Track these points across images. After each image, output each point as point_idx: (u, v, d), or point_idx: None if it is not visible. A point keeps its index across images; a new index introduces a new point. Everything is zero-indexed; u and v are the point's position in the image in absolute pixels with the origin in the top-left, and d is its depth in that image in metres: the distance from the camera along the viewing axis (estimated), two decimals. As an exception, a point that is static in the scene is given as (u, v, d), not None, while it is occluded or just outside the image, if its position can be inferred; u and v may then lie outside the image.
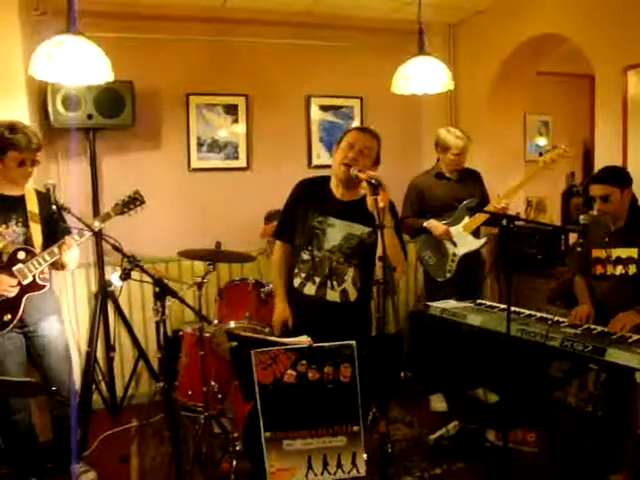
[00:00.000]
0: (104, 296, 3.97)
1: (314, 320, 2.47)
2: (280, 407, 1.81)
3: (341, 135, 2.59)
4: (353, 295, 2.57)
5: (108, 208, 2.93)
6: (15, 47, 3.33)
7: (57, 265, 2.85)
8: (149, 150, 4.25)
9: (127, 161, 4.19)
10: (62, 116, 3.65)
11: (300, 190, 2.66)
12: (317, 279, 2.55)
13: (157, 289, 2.45)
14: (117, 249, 2.52)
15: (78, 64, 2.42)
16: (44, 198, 2.83)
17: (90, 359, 3.88)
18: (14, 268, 2.69)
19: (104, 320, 4.02)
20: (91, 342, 3.91)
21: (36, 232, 2.81)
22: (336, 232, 2.49)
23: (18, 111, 3.36)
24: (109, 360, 4.04)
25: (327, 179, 2.63)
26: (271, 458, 1.83)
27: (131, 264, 2.44)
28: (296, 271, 2.61)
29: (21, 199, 2.81)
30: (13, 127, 2.69)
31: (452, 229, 3.81)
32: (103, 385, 4.05)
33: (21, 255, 2.73)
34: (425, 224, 3.83)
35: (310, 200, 2.57)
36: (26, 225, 2.81)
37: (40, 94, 3.71)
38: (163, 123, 4.29)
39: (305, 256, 2.55)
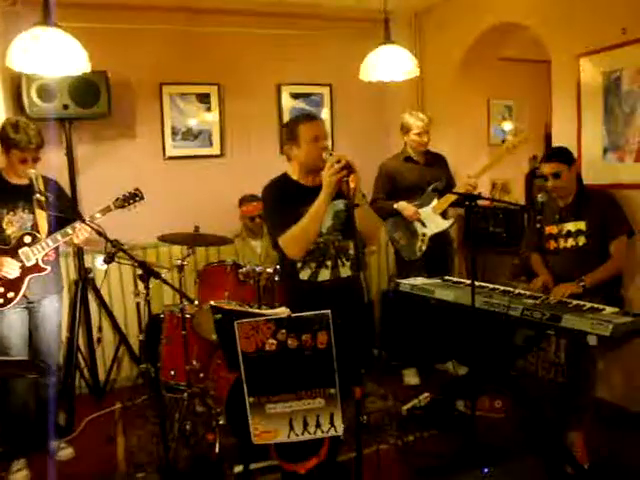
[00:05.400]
0: (84, 283, 4.06)
1: (332, 302, 2.28)
2: (262, 374, 1.93)
3: (290, 128, 2.63)
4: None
5: (109, 202, 3.09)
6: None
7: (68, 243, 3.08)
8: (125, 139, 4.33)
9: (103, 151, 4.26)
10: (37, 106, 3.70)
11: (277, 191, 2.69)
12: (328, 262, 2.64)
13: (140, 272, 2.57)
14: (100, 234, 2.63)
15: (57, 56, 2.49)
16: (48, 183, 3.08)
17: (72, 345, 3.96)
18: (20, 250, 2.93)
19: (84, 306, 4.10)
20: (72, 329, 3.98)
21: (42, 218, 3.03)
22: (325, 215, 2.58)
23: (-7, 102, 3.41)
24: (91, 345, 4.13)
25: (286, 176, 2.71)
26: (255, 421, 1.97)
27: (115, 247, 2.56)
28: (300, 265, 2.65)
29: (27, 187, 2.96)
30: (17, 126, 2.89)
31: (422, 210, 3.98)
32: (86, 370, 4.13)
33: (27, 239, 2.97)
34: (395, 206, 3.98)
35: (291, 198, 2.61)
36: (32, 212, 3.02)
37: (14, 84, 3.74)
38: (138, 112, 4.36)
39: (310, 246, 2.62)
